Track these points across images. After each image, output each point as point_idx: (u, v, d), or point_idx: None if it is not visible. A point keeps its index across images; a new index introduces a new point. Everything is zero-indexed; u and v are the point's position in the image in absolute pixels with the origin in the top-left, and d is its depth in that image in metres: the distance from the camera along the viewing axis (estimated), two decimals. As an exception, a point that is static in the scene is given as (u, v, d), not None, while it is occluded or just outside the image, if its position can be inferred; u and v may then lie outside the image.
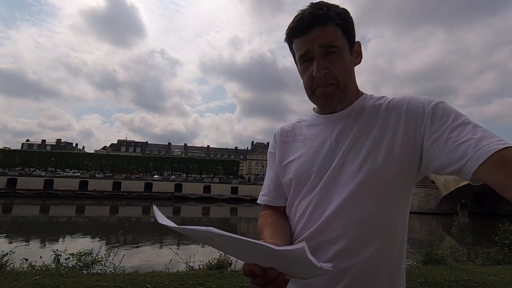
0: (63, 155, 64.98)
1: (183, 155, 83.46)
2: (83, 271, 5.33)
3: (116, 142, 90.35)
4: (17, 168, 60.32)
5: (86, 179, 54.48)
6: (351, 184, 0.74)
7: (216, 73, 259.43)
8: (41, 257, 5.52)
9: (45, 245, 13.75)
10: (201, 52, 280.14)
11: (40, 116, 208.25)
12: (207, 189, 58.92)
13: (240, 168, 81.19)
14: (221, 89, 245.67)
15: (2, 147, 70.42)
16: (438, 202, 38.58)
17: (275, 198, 0.92)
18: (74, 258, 5.53)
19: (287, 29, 0.79)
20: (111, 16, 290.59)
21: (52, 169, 62.11)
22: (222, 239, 0.54)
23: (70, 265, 5.43)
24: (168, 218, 0.61)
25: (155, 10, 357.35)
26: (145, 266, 8.71)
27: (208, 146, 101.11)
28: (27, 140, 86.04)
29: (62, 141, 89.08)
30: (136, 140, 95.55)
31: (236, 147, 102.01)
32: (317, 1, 0.77)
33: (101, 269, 5.53)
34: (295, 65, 0.86)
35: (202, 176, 70.38)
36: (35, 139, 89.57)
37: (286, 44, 0.84)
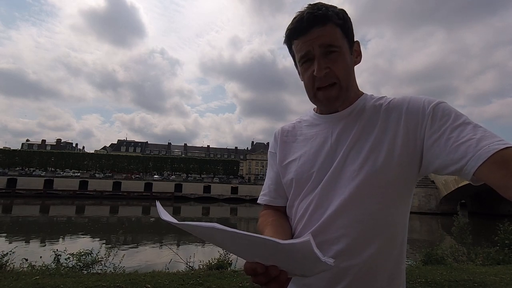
0: (63, 155, 64.99)
1: (183, 155, 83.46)
2: (83, 271, 5.33)
3: (116, 142, 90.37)
4: (17, 168, 60.33)
5: (86, 179, 54.48)
6: (352, 184, 0.74)
7: (216, 73, 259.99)
8: (41, 257, 5.52)
9: (45, 245, 13.75)
10: (201, 52, 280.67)
11: (40, 116, 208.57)
12: (207, 189, 58.91)
13: (240, 168, 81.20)
14: (221, 89, 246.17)
15: (2, 147, 70.42)
16: (438, 202, 38.58)
17: (276, 198, 0.92)
18: (74, 258, 5.54)
19: (286, 31, 0.79)
20: (111, 16, 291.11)
21: (52, 169, 62.11)
22: (226, 235, 0.54)
23: (70, 265, 5.44)
24: (169, 214, 0.61)
25: (155, 10, 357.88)
26: (145, 266, 8.71)
27: (208, 146, 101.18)
28: (27, 140, 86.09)
29: (62, 141, 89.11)
30: (136, 140, 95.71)
31: (236, 147, 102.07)
32: (315, 2, 0.78)
33: (101, 269, 5.53)
34: (294, 65, 0.86)
35: (202, 176, 70.39)
36: (35, 139, 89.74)
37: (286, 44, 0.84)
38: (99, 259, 5.73)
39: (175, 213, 34.46)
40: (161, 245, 14.02)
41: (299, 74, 0.84)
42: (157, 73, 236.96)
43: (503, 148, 0.59)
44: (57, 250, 5.75)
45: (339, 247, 0.73)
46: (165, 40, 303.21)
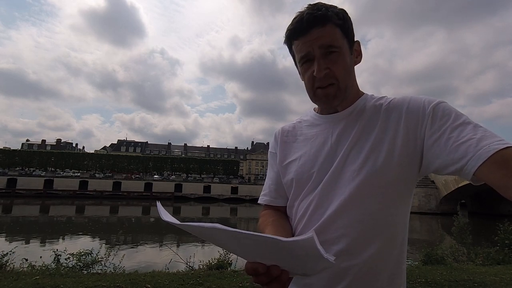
0: (63, 155, 64.98)
1: (183, 155, 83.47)
2: (83, 271, 5.33)
3: (116, 142, 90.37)
4: (17, 168, 60.32)
5: (86, 179, 54.48)
6: (352, 184, 0.74)
7: (216, 73, 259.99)
8: (41, 257, 5.52)
9: (45, 245, 13.75)
10: (201, 52, 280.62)
11: (40, 116, 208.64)
12: (207, 189, 58.91)
13: (240, 168, 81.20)
14: (221, 89, 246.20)
15: (2, 147, 70.42)
16: (438, 202, 38.58)
17: (276, 198, 0.92)
18: (74, 258, 5.54)
19: (286, 31, 0.79)
20: (111, 16, 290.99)
21: (52, 169, 62.10)
22: (228, 235, 0.54)
23: (70, 265, 5.44)
24: (170, 215, 0.61)
25: (155, 10, 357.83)
26: (145, 266, 8.71)
27: (208, 146, 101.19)
28: (27, 140, 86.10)
29: (62, 141, 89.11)
30: (136, 140, 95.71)
31: (236, 147, 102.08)
32: (315, 2, 0.77)
33: (101, 269, 5.54)
34: (295, 65, 0.86)
35: (202, 176, 70.39)
36: (35, 139, 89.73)
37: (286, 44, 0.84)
38: (99, 259, 5.73)
39: (175, 213, 34.46)
40: (161, 245, 14.02)
41: (300, 74, 0.84)
42: (157, 73, 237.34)
43: (503, 148, 0.59)
44: (57, 250, 5.75)
45: (339, 247, 0.73)
46: (165, 40, 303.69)
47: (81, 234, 17.46)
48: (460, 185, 34.64)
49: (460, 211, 33.81)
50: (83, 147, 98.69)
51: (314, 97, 0.81)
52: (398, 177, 0.74)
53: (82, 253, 5.67)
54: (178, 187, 57.95)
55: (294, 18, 0.77)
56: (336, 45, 0.75)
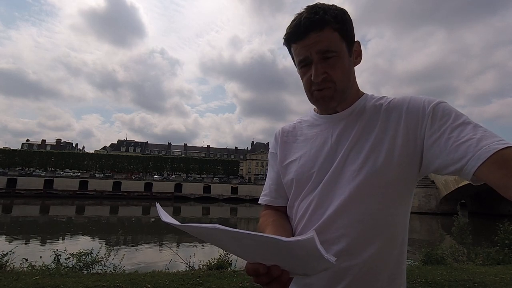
0: (63, 155, 64.99)
1: (183, 155, 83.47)
2: (83, 271, 5.33)
3: (116, 142, 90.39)
4: (17, 168, 60.33)
5: (86, 179, 54.49)
6: (352, 185, 0.74)
7: (216, 73, 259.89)
8: (41, 257, 5.52)
9: (45, 245, 13.75)
10: (201, 52, 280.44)
11: (40, 116, 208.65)
12: (207, 189, 58.92)
13: (240, 168, 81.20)
14: (221, 89, 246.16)
15: (2, 147, 70.43)
16: (438, 202, 38.58)
17: (276, 198, 0.92)
18: (74, 258, 5.54)
19: (285, 34, 0.79)
20: (111, 16, 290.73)
21: (52, 169, 62.11)
22: (228, 235, 0.54)
23: (70, 265, 5.44)
24: (170, 216, 0.61)
25: (155, 10, 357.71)
26: (145, 266, 8.71)
27: (208, 146, 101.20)
28: (27, 140, 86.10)
29: (62, 141, 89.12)
30: (136, 140, 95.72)
31: (236, 147, 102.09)
32: (313, 4, 0.77)
33: (101, 269, 5.54)
34: (294, 66, 0.86)
35: (202, 176, 70.39)
36: (35, 139, 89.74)
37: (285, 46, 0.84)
38: (99, 259, 5.73)
39: (175, 213, 34.47)
40: (161, 245, 14.02)
41: (299, 75, 0.84)
42: (157, 73, 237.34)
43: (503, 148, 0.59)
44: (57, 250, 5.75)
45: (340, 247, 0.74)
46: (165, 40, 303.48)
47: (81, 234, 17.48)
48: (460, 185, 34.65)
49: (460, 211, 33.82)
50: (83, 147, 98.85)
51: (312, 98, 0.82)
52: (398, 177, 0.74)
53: (82, 253, 5.66)
54: (178, 187, 57.96)
55: (292, 21, 0.77)
56: (334, 50, 0.75)
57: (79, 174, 58.54)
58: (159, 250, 13.07)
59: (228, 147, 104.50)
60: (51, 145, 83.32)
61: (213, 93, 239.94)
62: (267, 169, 1.01)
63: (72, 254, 5.61)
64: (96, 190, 51.96)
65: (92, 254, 5.75)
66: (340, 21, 0.75)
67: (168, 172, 69.57)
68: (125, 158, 68.49)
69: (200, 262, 6.15)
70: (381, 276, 0.74)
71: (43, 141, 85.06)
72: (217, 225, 0.52)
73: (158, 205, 0.64)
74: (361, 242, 0.73)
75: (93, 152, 78.90)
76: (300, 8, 0.78)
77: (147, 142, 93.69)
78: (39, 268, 5.06)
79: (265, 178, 1.00)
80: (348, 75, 0.79)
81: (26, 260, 5.45)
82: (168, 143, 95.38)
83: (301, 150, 0.86)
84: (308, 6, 0.77)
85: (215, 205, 48.45)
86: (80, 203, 40.86)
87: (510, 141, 0.61)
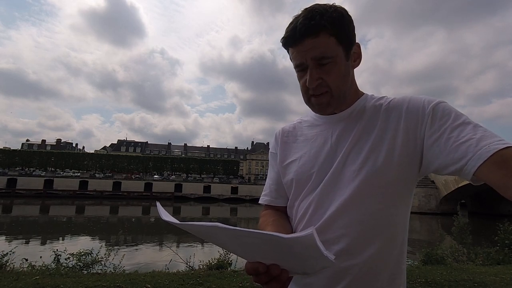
0: (63, 155, 65.00)
1: (183, 155, 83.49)
2: (83, 271, 5.33)
3: (116, 142, 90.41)
4: (17, 168, 60.33)
5: (86, 179, 54.50)
6: (352, 185, 0.75)
7: (216, 73, 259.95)
8: (41, 257, 5.52)
9: (45, 245, 13.75)
10: (201, 52, 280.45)
11: (40, 116, 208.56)
12: (207, 189, 58.93)
13: (240, 168, 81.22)
14: (221, 89, 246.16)
15: (2, 147, 70.43)
16: (438, 202, 38.59)
17: (277, 198, 0.92)
18: (74, 258, 5.54)
19: (282, 38, 0.78)
20: (111, 16, 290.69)
21: (52, 169, 62.12)
22: (228, 234, 0.54)
23: (70, 265, 5.44)
24: (170, 215, 0.61)
25: (155, 10, 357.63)
26: (145, 266, 8.70)
27: (208, 146, 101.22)
28: (27, 140, 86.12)
29: (62, 141, 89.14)
30: (136, 140, 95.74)
31: (236, 147, 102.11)
32: (311, 6, 0.75)
33: (101, 269, 5.54)
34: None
35: (202, 176, 70.40)
36: (35, 139, 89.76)
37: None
38: (99, 259, 5.73)
39: (175, 213, 34.47)
40: (161, 245, 14.03)
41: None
42: (157, 73, 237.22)
43: (503, 148, 0.59)
44: (57, 250, 5.74)
45: (340, 247, 0.74)
46: (165, 40, 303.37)
47: (81, 234, 17.48)
48: (460, 185, 34.66)
49: (460, 211, 33.80)
50: (83, 147, 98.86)
51: (308, 103, 0.82)
52: (398, 177, 0.74)
53: (82, 253, 5.66)
54: (178, 187, 57.96)
55: (290, 24, 0.76)
56: (329, 56, 0.74)
57: (79, 174, 58.55)
58: (159, 250, 13.08)
59: (228, 147, 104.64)
60: (51, 145, 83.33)
61: (213, 93, 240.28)
62: (267, 169, 1.01)
63: (72, 254, 5.60)
64: (96, 190, 51.96)
65: (92, 254, 5.75)
66: (337, 25, 0.74)
67: (168, 172, 69.58)
68: (125, 158, 68.49)
69: (200, 262, 6.15)
70: (381, 276, 0.74)
71: (43, 141, 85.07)
72: (217, 224, 0.53)
73: (158, 204, 0.64)
74: (361, 242, 0.73)
75: (93, 152, 78.91)
76: (299, 8, 0.76)
77: (147, 142, 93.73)
78: (39, 268, 5.06)
79: (265, 178, 1.00)
80: (344, 79, 0.78)
81: (26, 260, 5.45)
82: (168, 143, 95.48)
83: (301, 150, 0.86)
84: (306, 8, 0.75)
85: (215, 205, 48.45)
86: (80, 203, 40.86)
87: (510, 141, 0.61)
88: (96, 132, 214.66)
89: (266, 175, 1.00)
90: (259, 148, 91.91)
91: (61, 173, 60.07)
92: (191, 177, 68.84)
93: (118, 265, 5.65)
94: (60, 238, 16.07)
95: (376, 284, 0.73)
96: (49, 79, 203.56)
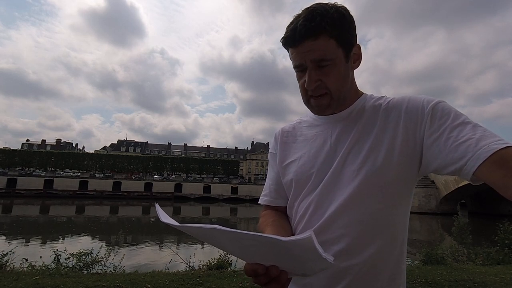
0: (63, 155, 65.00)
1: (183, 155, 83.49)
2: (83, 271, 5.34)
3: (116, 142, 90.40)
4: (17, 168, 60.33)
5: (86, 179, 54.51)
6: (352, 185, 0.74)
7: (216, 73, 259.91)
8: (41, 257, 5.53)
9: (45, 245, 13.75)
10: (201, 52, 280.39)
11: (40, 116, 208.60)
12: (207, 189, 58.92)
13: (240, 168, 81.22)
14: (221, 89, 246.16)
15: (2, 147, 70.42)
16: (438, 202, 38.59)
17: (276, 198, 0.92)
18: (74, 258, 5.54)
19: (282, 38, 0.78)
20: (111, 16, 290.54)
21: (52, 169, 62.12)
22: (227, 236, 0.54)
23: (70, 265, 5.44)
24: (169, 216, 0.61)
25: (155, 10, 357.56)
26: (145, 266, 8.71)
27: (208, 146, 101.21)
28: (27, 140, 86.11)
29: (62, 141, 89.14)
30: (136, 140, 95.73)
31: (236, 147, 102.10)
32: (312, 6, 0.74)
33: (101, 269, 5.54)
34: None
35: (202, 176, 70.40)
36: (35, 139, 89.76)
37: None
38: (99, 259, 5.73)
39: (175, 213, 34.48)
40: (161, 245, 14.03)
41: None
42: (157, 73, 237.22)
43: (503, 148, 0.59)
44: (57, 250, 5.75)
45: (339, 247, 0.74)
46: (165, 40, 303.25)
47: (81, 234, 17.48)
48: (460, 185, 34.66)
49: (460, 211, 33.85)
50: (83, 147, 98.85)
51: (307, 104, 0.82)
52: (398, 176, 0.74)
53: (82, 253, 5.67)
54: (178, 187, 57.96)
55: (290, 24, 0.75)
56: (329, 58, 0.73)
57: (79, 174, 58.56)
58: (159, 250, 13.08)
59: (228, 147, 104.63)
60: (51, 145, 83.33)
61: (213, 93, 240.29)
62: (267, 169, 1.01)
63: (72, 254, 5.61)
64: (96, 190, 51.95)
65: (92, 254, 5.76)
66: (337, 27, 0.73)
67: (168, 172, 69.58)
68: (125, 158, 68.49)
69: (200, 262, 6.15)
70: (381, 276, 0.74)
71: (43, 141, 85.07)
72: (216, 226, 0.53)
73: (157, 205, 0.64)
74: (361, 242, 0.73)
75: (93, 152, 78.91)
76: (299, 8, 0.76)
77: (147, 142, 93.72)
78: (39, 268, 5.07)
79: (265, 178, 1.00)
80: (344, 81, 0.78)
81: (26, 260, 5.45)
82: (168, 143, 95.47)
83: (301, 151, 0.86)
84: (307, 8, 0.74)
85: (215, 205, 48.44)
86: (80, 203, 40.86)
87: (510, 141, 0.61)
88: (96, 132, 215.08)
89: (266, 175, 1.00)
90: (259, 148, 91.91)
91: (61, 173, 60.07)
92: (191, 177, 68.85)
93: (118, 265, 5.66)
94: (60, 238, 16.07)
95: (376, 284, 0.73)
96: (49, 79, 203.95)
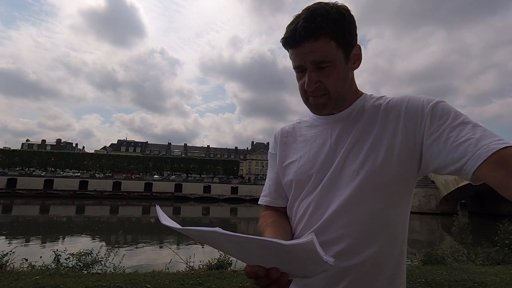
0: (63, 155, 65.00)
1: (183, 155, 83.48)
2: (83, 271, 5.34)
3: (116, 142, 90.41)
4: (17, 168, 60.33)
5: (86, 179, 54.50)
6: (352, 185, 0.74)
7: (216, 73, 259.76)
8: (41, 257, 5.52)
9: (45, 245, 13.75)
10: (201, 52, 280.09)
11: (40, 116, 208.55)
12: (207, 189, 58.92)
13: (240, 168, 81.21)
14: (221, 89, 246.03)
15: (2, 147, 70.42)
16: (438, 202, 38.59)
17: (276, 198, 0.92)
18: (74, 258, 5.54)
19: (282, 38, 0.78)
20: (111, 16, 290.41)
21: (52, 169, 62.12)
22: (228, 239, 0.54)
23: (70, 265, 5.44)
24: (170, 218, 0.61)
25: (155, 10, 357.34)
26: (145, 266, 8.71)
27: (208, 146, 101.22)
28: (27, 140, 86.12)
29: (62, 141, 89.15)
30: (136, 140, 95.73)
31: (236, 147, 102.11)
32: (313, 6, 0.73)
33: (101, 269, 5.54)
34: None
35: (202, 176, 70.40)
36: (35, 139, 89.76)
37: None
38: (99, 259, 5.73)
39: (175, 213, 34.49)
40: (161, 245, 14.02)
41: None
42: (157, 73, 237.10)
43: (503, 148, 0.59)
44: (57, 250, 5.75)
45: (339, 247, 0.74)
46: (165, 40, 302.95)
47: (81, 234, 17.48)
48: (460, 185, 34.66)
49: (460, 211, 33.77)
50: (83, 147, 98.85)
51: (306, 103, 0.82)
52: (398, 176, 0.74)
53: (82, 253, 5.66)
54: (178, 187, 57.95)
55: (290, 24, 0.75)
56: (329, 60, 0.73)
57: (79, 174, 58.55)
58: (159, 250, 13.08)
59: (228, 147, 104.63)
60: (51, 145, 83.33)
61: (213, 93, 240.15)
62: (267, 169, 1.01)
63: (72, 254, 5.61)
64: (96, 190, 51.95)
65: (92, 254, 5.75)
66: (338, 28, 0.72)
67: (168, 172, 69.58)
68: (125, 158, 68.49)
69: (200, 262, 6.15)
70: (381, 276, 0.74)
71: (43, 141, 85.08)
72: (217, 229, 0.53)
73: (158, 207, 0.64)
74: (361, 242, 0.73)
75: (93, 152, 78.91)
76: (299, 8, 0.75)
77: (147, 142, 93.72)
78: (39, 268, 5.06)
79: (265, 178, 1.00)
80: (343, 82, 0.77)
81: (26, 260, 5.45)
82: (168, 143, 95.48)
83: (301, 151, 0.86)
84: (308, 8, 0.74)
85: (215, 205, 48.44)
86: (80, 203, 40.86)
87: (510, 141, 0.61)
88: (96, 132, 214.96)
89: (266, 175, 1.00)
90: (259, 148, 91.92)
91: (61, 173, 60.07)
92: (191, 177, 68.84)
93: (118, 265, 5.66)
94: (60, 238, 16.07)
95: (376, 284, 0.73)
96: (49, 79, 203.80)
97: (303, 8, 0.75)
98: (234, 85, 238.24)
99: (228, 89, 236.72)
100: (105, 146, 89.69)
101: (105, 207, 38.86)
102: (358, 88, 0.86)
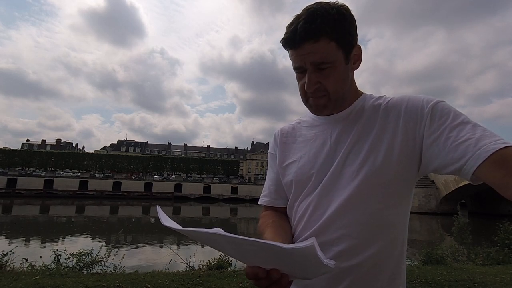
0: (63, 155, 64.98)
1: (183, 155, 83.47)
2: (83, 271, 5.33)
3: (116, 142, 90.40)
4: (17, 168, 60.32)
5: (86, 179, 54.49)
6: (352, 185, 0.74)
7: (216, 73, 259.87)
8: (41, 257, 5.52)
9: (45, 245, 13.75)
10: (201, 52, 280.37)
11: (40, 116, 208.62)
12: (207, 189, 58.91)
13: (240, 168, 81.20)
14: (221, 89, 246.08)
15: (2, 147, 70.40)
16: (438, 202, 38.58)
17: (276, 199, 0.92)
18: (74, 258, 5.54)
19: (282, 39, 0.77)
20: (111, 16, 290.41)
21: (52, 169, 62.11)
22: (229, 241, 0.54)
23: (70, 265, 5.44)
24: (170, 219, 0.61)
25: (155, 10, 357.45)
26: (145, 266, 8.71)
27: (208, 146, 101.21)
28: (27, 140, 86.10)
29: (62, 141, 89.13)
30: (136, 140, 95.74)
31: (236, 147, 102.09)
32: (314, 6, 0.73)
33: (101, 269, 5.54)
34: None
35: (202, 176, 70.38)
36: (35, 139, 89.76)
37: None
38: (99, 259, 5.73)
39: (175, 213, 34.48)
40: (161, 245, 14.02)
41: None
42: (157, 73, 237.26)
43: (503, 148, 0.59)
44: (57, 250, 5.74)
45: (340, 247, 0.74)
46: (165, 40, 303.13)
47: (81, 234, 17.47)
48: (460, 185, 34.66)
49: (460, 211, 33.77)
50: (83, 147, 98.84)
51: (306, 104, 0.82)
52: (398, 176, 0.74)
53: (82, 253, 5.66)
54: (178, 187, 57.94)
55: (290, 25, 0.74)
56: (329, 61, 0.73)
57: (79, 174, 58.53)
58: (159, 250, 13.07)
59: (228, 147, 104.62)
60: (51, 145, 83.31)
61: (213, 93, 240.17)
62: (267, 169, 1.01)
63: (72, 254, 5.60)
64: (96, 190, 51.94)
65: (92, 254, 5.75)
66: (338, 29, 0.72)
67: (168, 172, 69.57)
68: (125, 158, 68.48)
69: (200, 262, 6.15)
70: (381, 276, 0.74)
71: (43, 141, 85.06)
72: (218, 230, 0.53)
73: (158, 208, 0.64)
74: (362, 242, 0.73)
75: (93, 152, 78.89)
76: (299, 9, 0.75)
77: (147, 142, 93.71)
78: (39, 268, 5.06)
79: (265, 178, 1.00)
80: (343, 83, 0.77)
81: (26, 260, 5.45)
82: (168, 143, 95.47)
83: (301, 151, 0.86)
84: (308, 9, 0.73)
85: (215, 205, 48.43)
86: (80, 203, 40.85)
87: (510, 141, 0.61)
88: (96, 132, 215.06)
89: (266, 175, 1.00)
90: (259, 148, 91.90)
91: (61, 173, 60.05)
92: (191, 177, 68.83)
93: (118, 265, 5.65)
94: (60, 238, 16.07)
95: (376, 284, 0.73)
96: (49, 79, 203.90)
97: (303, 8, 0.75)
98: (234, 85, 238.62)
99: (228, 89, 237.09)
100: (105, 146, 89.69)
101: (105, 207, 38.84)
102: (358, 88, 0.86)
